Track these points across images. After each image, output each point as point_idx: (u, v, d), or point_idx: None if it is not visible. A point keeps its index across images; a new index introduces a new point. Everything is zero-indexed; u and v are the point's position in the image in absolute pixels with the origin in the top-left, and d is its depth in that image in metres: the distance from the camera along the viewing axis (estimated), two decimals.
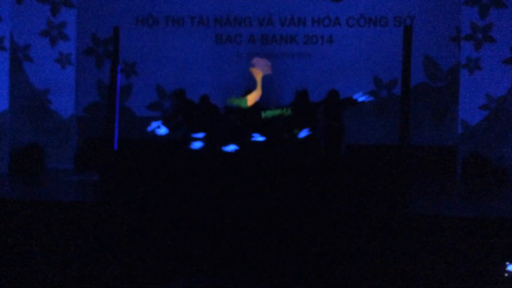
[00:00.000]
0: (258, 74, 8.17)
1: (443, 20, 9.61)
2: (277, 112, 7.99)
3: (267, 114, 7.96)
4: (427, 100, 9.73)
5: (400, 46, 7.44)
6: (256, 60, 8.38)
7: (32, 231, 5.10)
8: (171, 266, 4.72)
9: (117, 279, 4.80)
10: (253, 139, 7.64)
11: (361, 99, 8.05)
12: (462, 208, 6.33)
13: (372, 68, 9.79)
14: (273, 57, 10.06)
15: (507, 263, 4.52)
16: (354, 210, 5.40)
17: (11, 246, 5.05)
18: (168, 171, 6.56)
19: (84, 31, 10.08)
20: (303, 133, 7.81)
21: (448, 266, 4.69)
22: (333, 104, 8.38)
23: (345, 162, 6.88)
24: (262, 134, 7.68)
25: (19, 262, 4.99)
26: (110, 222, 5.07)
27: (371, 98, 8.17)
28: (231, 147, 7.36)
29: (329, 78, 9.77)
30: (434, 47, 9.66)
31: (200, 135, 7.60)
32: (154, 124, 7.88)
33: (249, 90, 8.30)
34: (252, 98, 8.05)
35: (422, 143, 9.51)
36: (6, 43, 9.21)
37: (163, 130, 7.91)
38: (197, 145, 7.49)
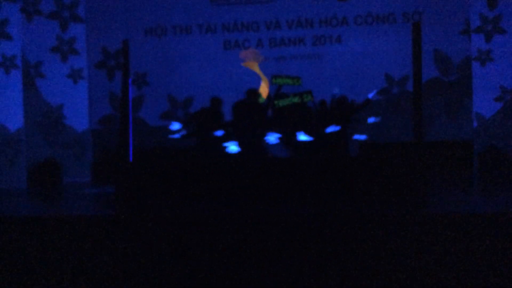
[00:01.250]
0: (253, 66, 8.11)
1: (451, 13, 9.54)
2: (292, 99, 7.66)
3: (282, 102, 7.67)
4: (440, 95, 9.66)
5: (410, 42, 7.40)
6: (242, 53, 8.33)
7: (51, 246, 5.15)
8: (190, 279, 4.73)
9: None
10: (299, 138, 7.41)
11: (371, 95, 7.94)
12: (481, 203, 6.26)
13: (382, 66, 9.75)
14: (282, 60, 10.08)
15: None
16: (371, 209, 5.37)
17: (30, 262, 5.09)
18: (185, 180, 6.58)
19: (94, 45, 10.20)
20: (331, 129, 7.56)
21: (468, 264, 4.63)
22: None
23: (360, 161, 6.84)
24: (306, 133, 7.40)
25: (39, 278, 5.03)
26: (129, 234, 5.09)
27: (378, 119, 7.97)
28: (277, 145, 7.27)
29: (340, 78, 9.75)
30: (444, 41, 9.59)
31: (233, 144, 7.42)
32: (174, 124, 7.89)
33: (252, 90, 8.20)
34: (264, 89, 7.95)
35: (437, 139, 9.44)
36: (18, 61, 9.34)
37: (176, 126, 7.91)
38: (233, 149, 7.36)
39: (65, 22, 9.92)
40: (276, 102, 7.56)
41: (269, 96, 8.06)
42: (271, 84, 8.02)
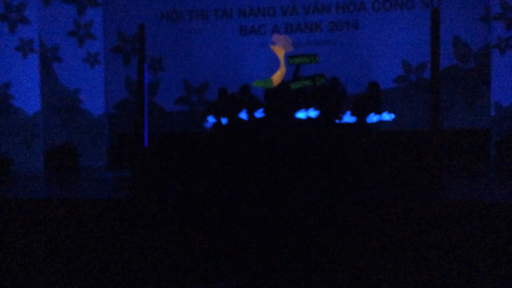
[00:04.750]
0: (279, 52, 8.05)
1: (471, 0, 9.38)
2: (304, 82, 7.69)
3: (295, 85, 7.70)
4: (458, 82, 9.53)
5: (428, 29, 7.29)
6: (276, 37, 8.27)
7: (67, 229, 5.21)
8: (204, 263, 4.76)
9: (150, 275, 4.86)
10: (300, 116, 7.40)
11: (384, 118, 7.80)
12: (496, 192, 6.20)
13: (400, 52, 9.63)
14: (298, 46, 9.99)
15: None
16: (388, 197, 5.34)
17: (48, 243, 5.16)
18: (200, 165, 6.60)
19: (111, 30, 10.21)
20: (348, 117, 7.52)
21: (484, 253, 4.60)
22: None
23: (377, 149, 6.79)
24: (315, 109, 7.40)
25: (57, 259, 5.10)
26: (143, 218, 5.13)
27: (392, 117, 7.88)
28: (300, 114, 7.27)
29: (357, 64, 9.66)
30: (464, 28, 9.44)
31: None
32: (210, 119, 7.93)
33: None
34: (277, 78, 7.92)
35: (454, 127, 9.34)
36: (36, 45, 9.39)
37: (212, 119, 8.00)
38: (259, 114, 7.48)
39: (82, 6, 9.94)
40: (291, 85, 7.59)
41: (283, 82, 8.04)
42: (288, 64, 7.97)
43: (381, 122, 7.83)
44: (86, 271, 4.99)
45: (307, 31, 10.03)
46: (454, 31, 9.41)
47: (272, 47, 8.13)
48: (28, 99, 9.36)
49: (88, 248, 5.10)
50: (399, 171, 6.24)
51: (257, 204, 4.98)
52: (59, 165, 9.36)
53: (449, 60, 9.38)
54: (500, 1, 9.03)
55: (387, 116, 7.59)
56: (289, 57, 7.95)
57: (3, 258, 5.15)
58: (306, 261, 4.73)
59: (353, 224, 4.83)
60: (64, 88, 9.91)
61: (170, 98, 10.33)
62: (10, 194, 6.35)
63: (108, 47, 10.20)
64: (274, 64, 8.45)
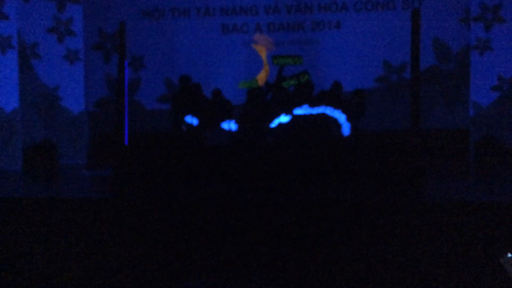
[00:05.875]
0: (262, 51, 8.12)
1: (451, 1, 9.48)
2: (292, 81, 7.89)
3: (287, 84, 7.88)
4: (438, 83, 9.63)
5: (409, 29, 7.35)
6: (257, 36, 8.31)
7: (46, 228, 5.15)
8: (184, 263, 4.74)
9: (129, 275, 4.83)
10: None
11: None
12: (475, 192, 6.28)
13: (381, 53, 9.69)
14: (280, 45, 10.00)
15: None
16: (367, 197, 5.38)
17: (25, 243, 5.10)
18: (180, 165, 6.57)
19: (91, 27, 10.10)
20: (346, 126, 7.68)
21: (462, 251, 4.66)
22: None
23: (356, 149, 6.83)
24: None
25: (33, 259, 5.04)
26: (123, 217, 5.10)
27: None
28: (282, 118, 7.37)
29: (338, 64, 9.70)
30: (444, 29, 9.53)
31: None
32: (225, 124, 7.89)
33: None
34: (262, 77, 8.01)
35: (433, 127, 9.43)
36: (14, 42, 9.25)
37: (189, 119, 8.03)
38: (227, 126, 7.54)
39: (61, 2, 9.81)
40: (283, 83, 7.78)
41: (267, 83, 8.07)
42: (271, 64, 8.01)
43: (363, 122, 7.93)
44: (65, 269, 4.94)
45: (289, 30, 10.05)
46: (434, 32, 9.50)
47: (254, 45, 8.15)
48: (7, 96, 9.22)
49: (67, 248, 5.05)
50: (379, 171, 6.28)
51: (239, 202, 4.97)
52: (38, 163, 9.24)
53: (429, 60, 9.47)
54: (480, 3, 9.14)
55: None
56: (273, 57, 7.98)
57: None
58: (287, 258, 4.74)
59: (332, 224, 4.85)
60: (43, 85, 9.78)
61: (151, 97, 10.26)
62: None
63: (88, 44, 10.08)
64: (256, 63, 8.45)
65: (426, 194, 5.97)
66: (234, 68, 9.90)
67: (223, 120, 7.70)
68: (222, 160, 6.57)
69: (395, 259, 4.74)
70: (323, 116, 7.55)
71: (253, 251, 4.67)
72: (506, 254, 2.22)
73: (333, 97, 7.93)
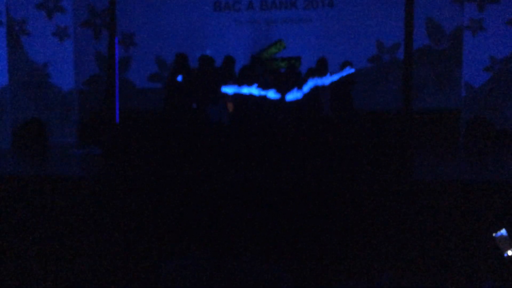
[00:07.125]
0: None
1: None
2: (273, 50, 8.02)
3: (264, 55, 8.00)
4: (430, 63, 9.61)
5: (402, 9, 7.30)
6: None
7: (35, 206, 5.12)
8: (174, 241, 4.74)
9: (120, 252, 4.83)
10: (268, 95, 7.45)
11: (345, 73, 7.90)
12: (466, 171, 6.32)
13: (374, 32, 9.64)
14: (273, 23, 9.91)
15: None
16: (358, 177, 5.39)
17: (15, 221, 5.07)
18: (172, 143, 6.54)
19: (81, 3, 9.95)
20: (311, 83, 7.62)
21: (453, 230, 4.69)
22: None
23: (348, 129, 6.83)
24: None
25: (24, 238, 5.02)
26: (113, 195, 5.08)
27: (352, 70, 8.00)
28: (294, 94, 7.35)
29: (331, 43, 9.64)
30: (437, 9, 9.48)
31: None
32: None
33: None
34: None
35: (425, 107, 9.44)
36: (3, 18, 9.09)
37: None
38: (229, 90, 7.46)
39: None
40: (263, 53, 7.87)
41: (252, 55, 8.14)
42: (259, 65, 8.01)
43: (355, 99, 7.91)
44: (54, 249, 4.92)
45: (282, 8, 9.95)
46: (428, 12, 9.45)
47: None
48: None
49: (56, 226, 5.03)
50: (370, 150, 6.28)
51: (228, 181, 4.97)
52: (28, 141, 9.15)
53: (422, 41, 9.43)
54: None
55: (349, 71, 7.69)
56: (258, 55, 8.00)
57: None
58: (274, 238, 4.75)
59: (323, 204, 4.86)
60: (32, 62, 9.64)
61: (142, 75, 10.17)
62: None
63: (78, 20, 9.93)
64: (248, 41, 8.39)
65: (417, 173, 5.99)
66: (227, 46, 9.81)
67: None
68: (215, 137, 6.55)
69: (386, 239, 4.76)
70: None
71: (244, 230, 4.67)
72: (499, 231, 2.23)
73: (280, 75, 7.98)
